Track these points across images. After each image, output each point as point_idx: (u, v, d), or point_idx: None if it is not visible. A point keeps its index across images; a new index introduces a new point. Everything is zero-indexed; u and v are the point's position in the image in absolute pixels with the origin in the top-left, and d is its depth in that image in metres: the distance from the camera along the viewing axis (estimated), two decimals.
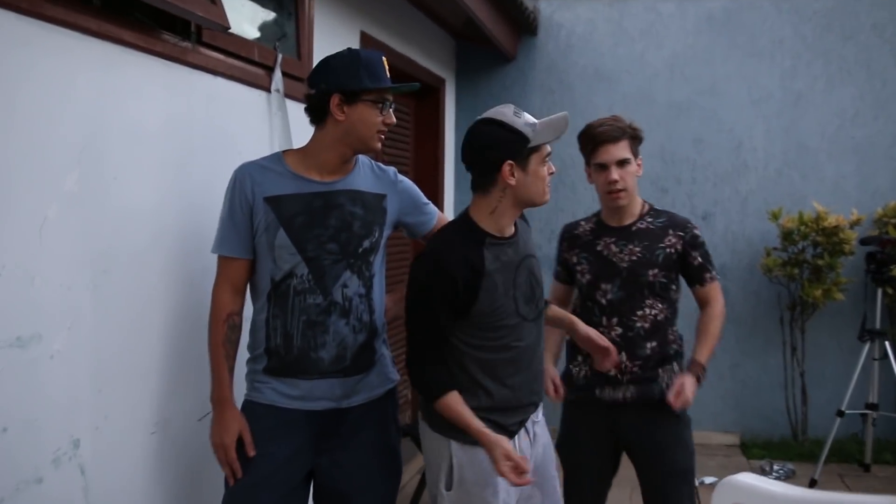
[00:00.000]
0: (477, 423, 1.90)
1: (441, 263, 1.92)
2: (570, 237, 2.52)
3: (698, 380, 2.30)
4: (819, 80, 4.72)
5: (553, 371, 2.44)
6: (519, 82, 5.05)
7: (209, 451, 2.24)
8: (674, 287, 2.38)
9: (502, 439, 1.88)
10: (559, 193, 5.02)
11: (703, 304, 2.43)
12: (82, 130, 1.80)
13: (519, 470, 1.84)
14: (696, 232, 2.40)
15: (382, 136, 2.01)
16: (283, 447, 1.99)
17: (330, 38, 3.02)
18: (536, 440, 2.11)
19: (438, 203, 4.63)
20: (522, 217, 2.12)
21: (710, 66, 4.83)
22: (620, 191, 2.34)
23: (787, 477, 4.17)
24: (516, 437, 2.03)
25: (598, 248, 2.41)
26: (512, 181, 1.92)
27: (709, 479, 4.04)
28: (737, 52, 4.80)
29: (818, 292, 4.32)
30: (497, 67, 5.06)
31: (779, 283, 4.56)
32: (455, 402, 1.91)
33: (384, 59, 2.01)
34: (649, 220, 2.41)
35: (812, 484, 4.00)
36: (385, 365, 2.12)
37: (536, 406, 2.11)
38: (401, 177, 2.17)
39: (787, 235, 4.44)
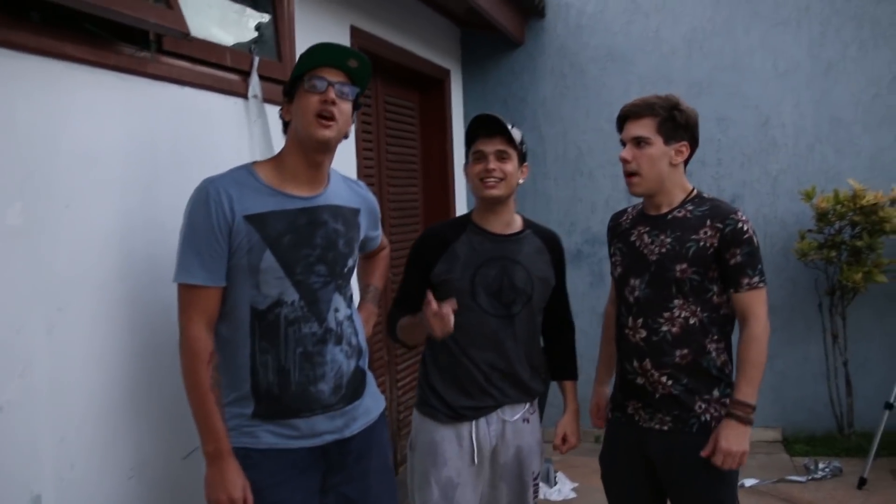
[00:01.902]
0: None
1: (424, 233, 2.38)
2: (612, 226, 2.30)
3: (742, 421, 1.97)
4: (851, 46, 4.42)
5: (601, 394, 2.38)
6: (528, 68, 4.82)
7: (197, 492, 2.10)
8: (714, 289, 2.05)
9: None
10: (577, 182, 4.80)
11: (740, 318, 2.07)
12: (23, 158, 1.64)
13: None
14: (742, 226, 2.02)
15: (324, 121, 1.77)
16: (294, 492, 1.80)
17: (314, 35, 2.82)
18: (506, 441, 2.25)
19: (449, 199, 4.44)
20: (551, 242, 2.32)
21: (731, 40, 4.54)
22: (631, 175, 2.09)
23: (834, 475, 3.91)
24: (473, 423, 2.22)
25: (632, 238, 2.17)
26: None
27: (749, 482, 3.80)
28: (759, 22, 4.51)
29: (858, 275, 4.04)
30: (505, 54, 4.83)
31: (815, 268, 4.28)
32: (401, 322, 2.25)
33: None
34: (690, 207, 2.10)
35: (861, 483, 3.73)
36: (373, 385, 2.00)
37: (497, 405, 2.23)
38: (369, 191, 2.07)
39: (822, 216, 4.15)
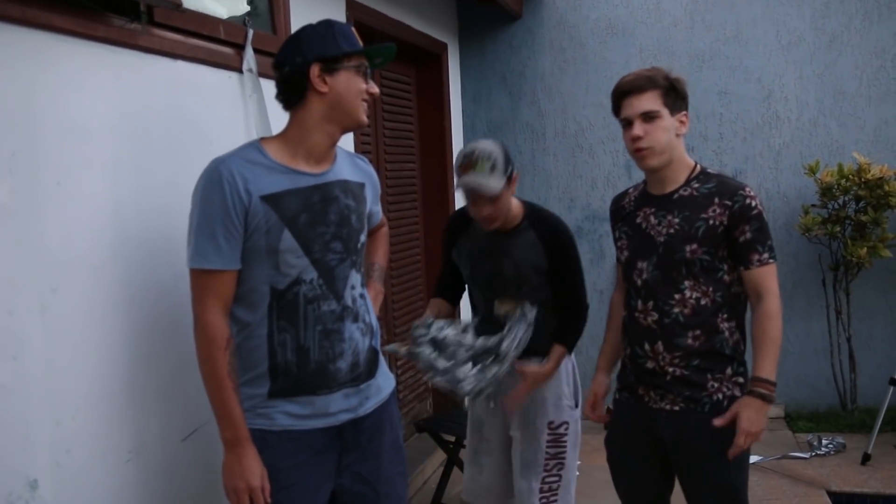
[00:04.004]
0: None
1: (450, 216, 2.65)
2: (615, 209, 2.23)
3: (765, 399, 1.93)
4: (855, 17, 4.34)
5: (601, 383, 2.29)
6: (527, 42, 4.73)
7: (197, 473, 2.08)
8: (724, 267, 2.00)
9: None
10: (576, 158, 4.74)
11: (752, 296, 2.00)
12: (11, 135, 1.59)
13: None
14: (750, 202, 1.96)
15: (366, 108, 1.81)
16: (311, 474, 1.79)
17: (309, 7, 2.76)
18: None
19: (446, 176, 4.37)
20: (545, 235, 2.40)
21: (733, 11, 4.46)
22: (645, 149, 2.00)
23: (838, 451, 3.89)
24: None
25: (638, 220, 2.10)
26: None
27: (752, 459, 3.75)
28: None
29: (863, 250, 3.99)
30: (503, 27, 4.74)
31: (819, 243, 4.24)
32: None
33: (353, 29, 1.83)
34: (696, 185, 2.03)
35: (865, 458, 3.72)
36: (384, 364, 1.98)
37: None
38: (369, 164, 2.04)
39: (826, 191, 4.10)
